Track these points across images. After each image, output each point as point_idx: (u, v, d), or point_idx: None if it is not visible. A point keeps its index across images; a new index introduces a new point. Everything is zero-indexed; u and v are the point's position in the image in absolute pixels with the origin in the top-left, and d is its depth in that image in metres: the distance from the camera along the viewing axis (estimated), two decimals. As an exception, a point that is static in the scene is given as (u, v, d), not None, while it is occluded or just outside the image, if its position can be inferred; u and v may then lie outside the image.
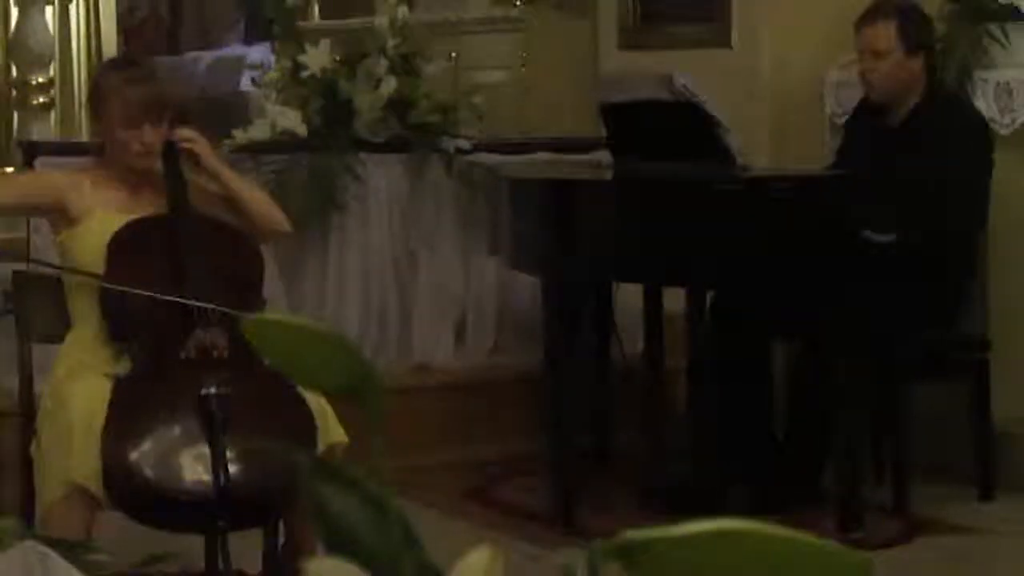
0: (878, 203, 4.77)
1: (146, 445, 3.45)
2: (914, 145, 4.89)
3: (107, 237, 3.69)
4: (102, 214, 3.76)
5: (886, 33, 4.91)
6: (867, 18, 4.99)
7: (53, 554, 1.85)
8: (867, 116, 5.12)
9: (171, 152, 3.80)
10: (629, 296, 5.53)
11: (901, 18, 4.94)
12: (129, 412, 3.50)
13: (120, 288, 3.62)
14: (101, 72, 4.02)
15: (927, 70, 4.98)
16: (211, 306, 3.59)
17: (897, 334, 4.78)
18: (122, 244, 3.69)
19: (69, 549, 1.90)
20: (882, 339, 4.75)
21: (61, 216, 3.79)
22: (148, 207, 3.79)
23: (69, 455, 3.44)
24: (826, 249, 4.63)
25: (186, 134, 3.83)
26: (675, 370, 5.24)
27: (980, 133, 4.96)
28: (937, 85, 5.02)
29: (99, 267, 3.68)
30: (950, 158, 4.83)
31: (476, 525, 4.78)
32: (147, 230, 3.74)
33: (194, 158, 3.84)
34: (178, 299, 3.61)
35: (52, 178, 3.95)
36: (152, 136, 3.75)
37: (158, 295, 3.60)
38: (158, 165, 3.80)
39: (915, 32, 4.94)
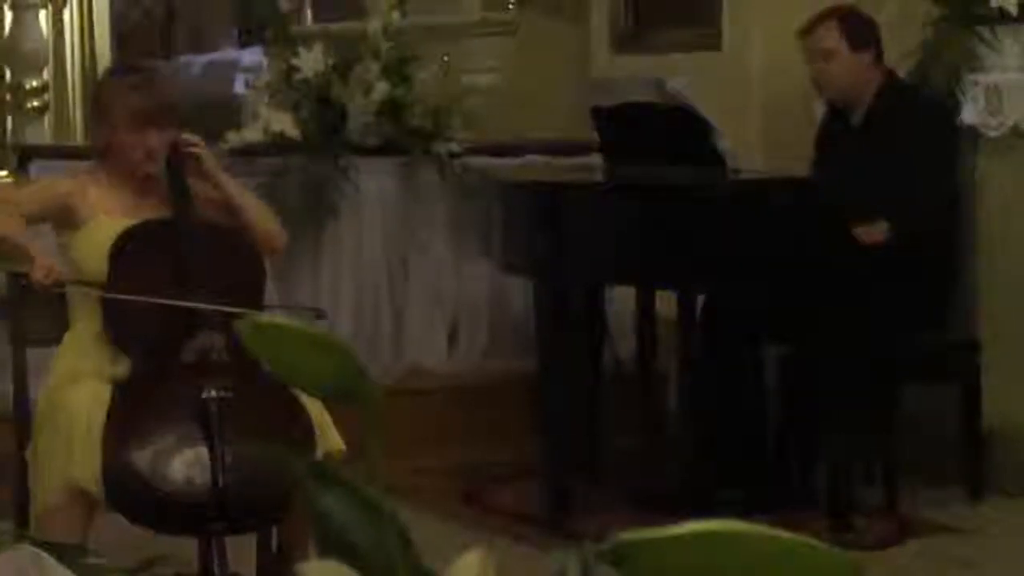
0: (858, 203, 4.79)
1: (145, 448, 3.45)
2: (874, 142, 4.93)
3: (111, 240, 3.69)
4: (106, 217, 3.76)
5: (828, 32, 5.04)
6: (809, 24, 5.13)
7: (47, 557, 1.85)
8: (834, 121, 5.18)
9: (175, 156, 3.80)
10: (621, 299, 5.53)
11: (841, 17, 5.06)
12: (129, 415, 3.50)
13: (123, 296, 3.63)
14: (105, 78, 4.02)
15: (879, 67, 5.04)
16: (212, 306, 3.60)
17: (888, 336, 4.79)
18: (125, 247, 3.69)
19: (63, 552, 1.91)
20: (873, 341, 4.76)
21: (66, 219, 3.79)
22: (151, 211, 3.79)
23: (70, 457, 3.44)
24: (817, 252, 4.64)
25: (191, 139, 3.84)
26: (667, 372, 5.24)
27: (940, 124, 4.99)
28: (894, 80, 5.06)
29: (102, 270, 3.68)
30: (909, 153, 4.86)
31: (470, 528, 4.79)
32: (150, 233, 3.75)
33: (197, 164, 3.84)
34: (180, 303, 3.61)
35: (58, 185, 3.93)
36: (157, 142, 3.76)
37: (160, 299, 3.60)
38: (162, 169, 3.80)
39: (857, 28, 5.05)
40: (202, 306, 3.61)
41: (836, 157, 5.08)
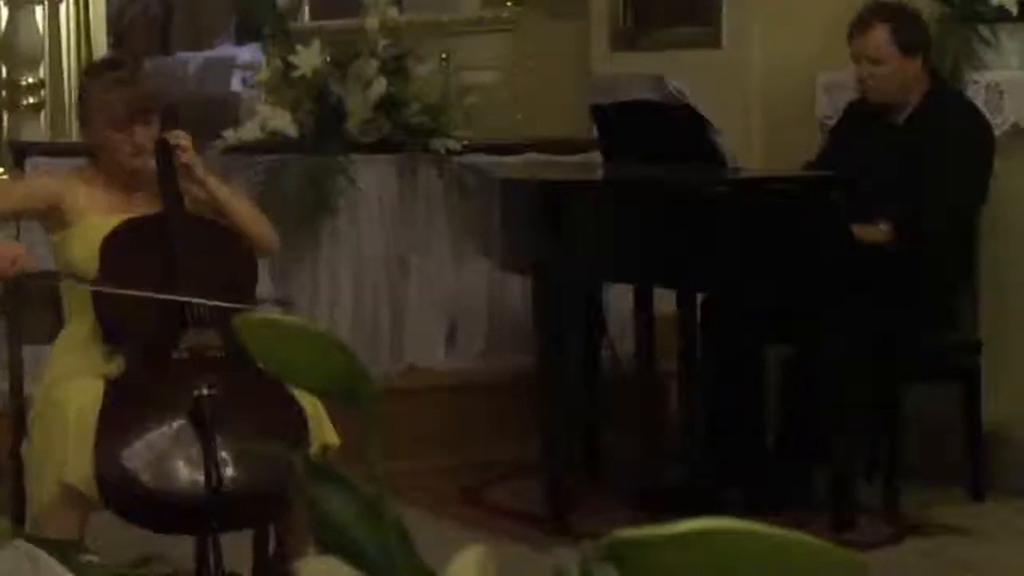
0: (875, 202, 4.77)
1: (139, 446, 3.44)
2: (917, 143, 4.88)
3: (101, 238, 3.68)
4: (96, 215, 3.75)
5: (882, 38, 4.91)
6: (860, 25, 4.97)
7: (44, 555, 1.85)
8: (863, 117, 5.09)
9: (164, 152, 3.78)
10: (620, 298, 5.52)
11: (894, 22, 4.93)
12: (122, 413, 3.49)
13: (113, 290, 3.61)
14: (87, 75, 4.01)
15: (927, 69, 4.97)
16: (203, 301, 3.59)
17: (890, 336, 4.79)
18: (115, 244, 3.68)
19: (60, 550, 1.90)
20: (875, 341, 4.75)
21: (56, 218, 3.78)
22: (142, 207, 3.78)
23: (63, 456, 3.43)
24: (819, 251, 4.63)
25: (179, 138, 3.81)
26: (666, 372, 5.23)
27: (983, 133, 4.95)
28: (940, 84, 5.01)
29: (93, 268, 3.67)
30: (952, 157, 4.82)
31: (469, 527, 4.78)
32: (140, 230, 3.73)
33: (184, 169, 3.81)
34: (171, 298, 3.60)
35: (46, 182, 3.94)
36: (142, 136, 3.74)
37: (151, 295, 3.59)
38: (150, 165, 3.78)
39: (910, 34, 4.93)
40: (188, 299, 3.60)
41: (864, 152, 5.00)
